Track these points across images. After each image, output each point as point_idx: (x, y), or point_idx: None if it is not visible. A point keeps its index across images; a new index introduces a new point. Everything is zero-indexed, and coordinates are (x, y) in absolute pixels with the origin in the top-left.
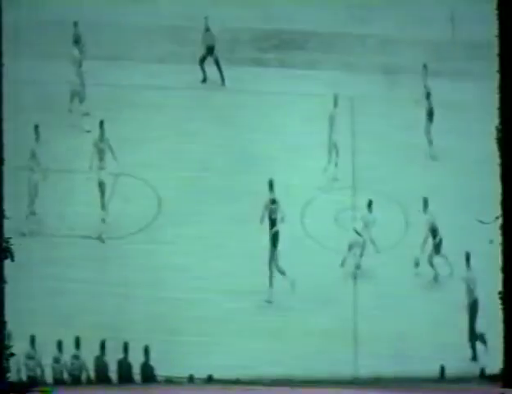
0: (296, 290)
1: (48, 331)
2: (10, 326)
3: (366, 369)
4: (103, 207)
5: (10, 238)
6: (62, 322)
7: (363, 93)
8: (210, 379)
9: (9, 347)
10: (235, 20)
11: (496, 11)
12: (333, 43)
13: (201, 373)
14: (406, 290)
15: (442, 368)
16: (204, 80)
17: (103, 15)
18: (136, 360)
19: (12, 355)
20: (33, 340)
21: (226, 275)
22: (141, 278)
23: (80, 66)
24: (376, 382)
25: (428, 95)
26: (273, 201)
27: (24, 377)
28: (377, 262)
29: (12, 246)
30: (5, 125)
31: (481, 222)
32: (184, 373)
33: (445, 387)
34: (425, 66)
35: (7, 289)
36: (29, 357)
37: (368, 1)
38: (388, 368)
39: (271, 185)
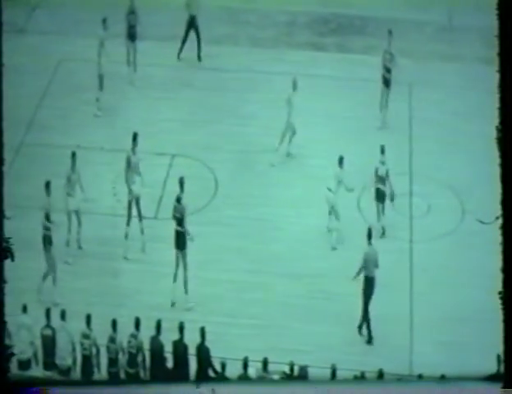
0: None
1: (102, 310)
2: (64, 305)
3: (421, 357)
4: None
5: (10, 238)
6: (117, 303)
7: (420, 79)
8: (266, 362)
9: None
10: (293, 3)
11: (496, 11)
12: (391, 28)
13: (256, 356)
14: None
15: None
16: (178, 57)
17: None
18: (192, 342)
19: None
20: (88, 319)
21: (283, 258)
22: (196, 259)
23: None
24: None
25: (391, 59)
26: (178, 200)
27: (78, 357)
28: (431, 247)
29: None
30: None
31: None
32: (239, 355)
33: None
34: (390, 32)
35: (66, 268)
36: (85, 336)
37: None
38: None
39: (181, 183)
